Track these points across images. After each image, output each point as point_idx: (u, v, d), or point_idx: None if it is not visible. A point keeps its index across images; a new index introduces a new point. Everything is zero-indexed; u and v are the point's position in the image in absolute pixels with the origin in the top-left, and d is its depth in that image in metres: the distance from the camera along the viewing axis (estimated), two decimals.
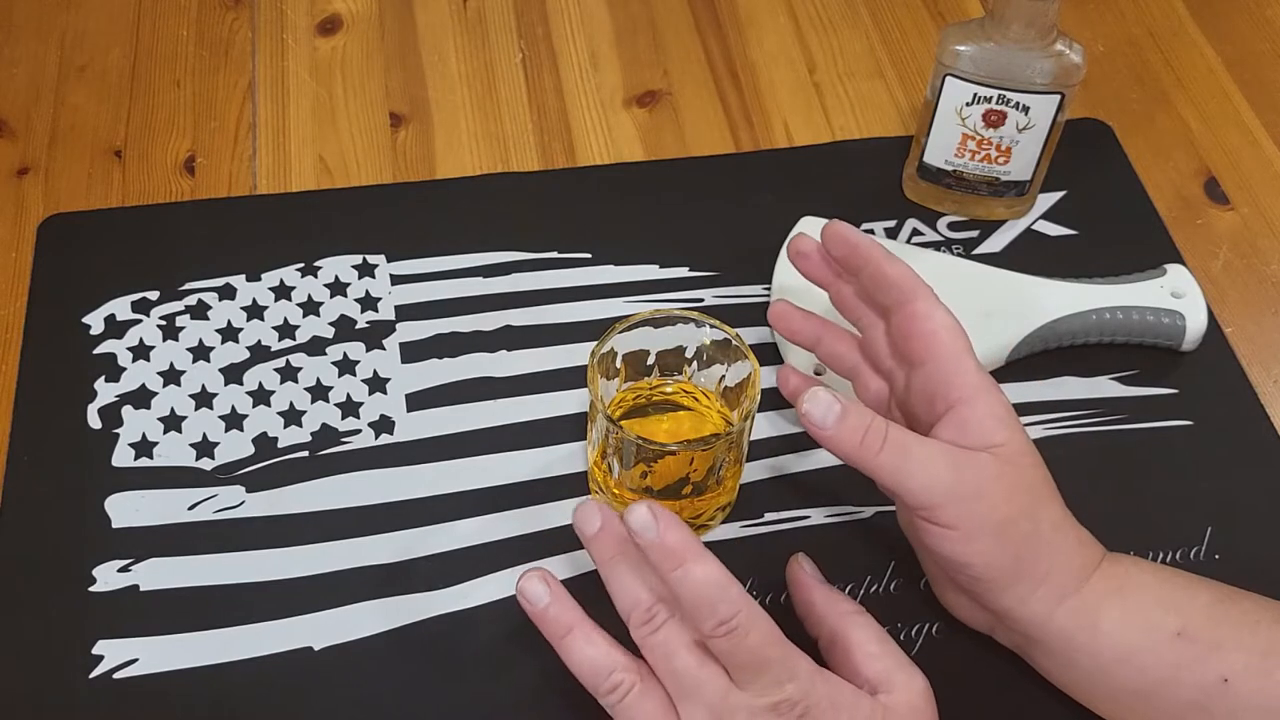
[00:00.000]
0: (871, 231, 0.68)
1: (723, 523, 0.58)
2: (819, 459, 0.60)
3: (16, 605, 0.54)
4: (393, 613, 0.55)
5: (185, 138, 0.72)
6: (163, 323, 0.63)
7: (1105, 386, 0.63)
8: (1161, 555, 0.57)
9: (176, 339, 0.63)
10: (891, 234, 0.68)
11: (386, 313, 0.64)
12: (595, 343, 0.54)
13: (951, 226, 0.69)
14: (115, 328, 0.63)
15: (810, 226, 0.65)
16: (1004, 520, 0.47)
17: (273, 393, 0.61)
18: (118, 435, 0.59)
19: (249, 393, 0.61)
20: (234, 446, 0.59)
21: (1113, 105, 0.76)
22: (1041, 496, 0.48)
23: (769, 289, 0.65)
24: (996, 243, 0.68)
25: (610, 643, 0.46)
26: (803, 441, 0.60)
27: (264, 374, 0.62)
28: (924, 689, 0.46)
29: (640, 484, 0.54)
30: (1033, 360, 0.63)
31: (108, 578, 0.55)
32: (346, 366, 0.62)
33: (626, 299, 0.65)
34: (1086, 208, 0.70)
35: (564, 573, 0.55)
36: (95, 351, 0.62)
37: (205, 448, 0.59)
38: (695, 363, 0.57)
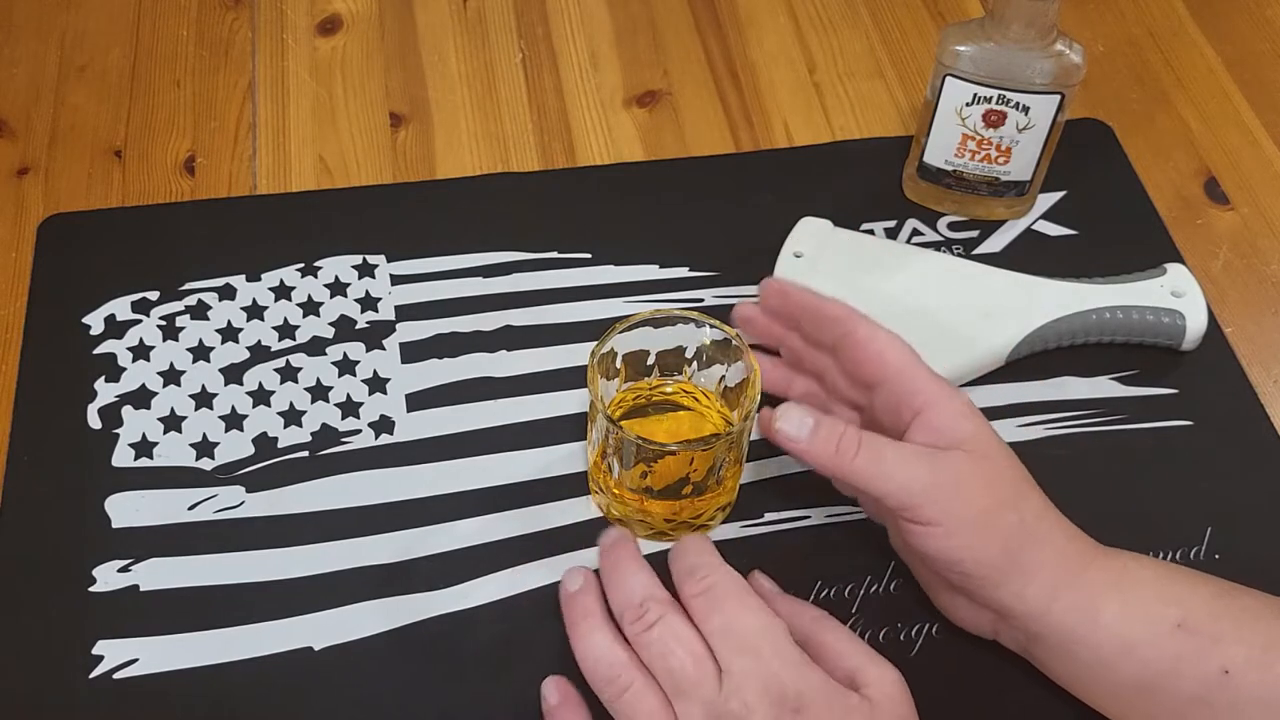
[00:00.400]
0: (871, 231, 0.68)
1: (723, 523, 0.58)
2: None
3: (16, 605, 0.54)
4: (393, 613, 0.55)
5: (185, 138, 0.72)
6: (163, 323, 0.63)
7: (1105, 386, 0.63)
8: (1161, 555, 0.57)
9: (176, 339, 0.63)
10: (891, 234, 0.68)
11: (386, 313, 0.64)
12: (595, 343, 0.54)
13: (951, 226, 0.69)
14: (115, 328, 0.63)
15: (809, 227, 0.65)
16: (984, 511, 0.48)
17: (273, 393, 0.61)
18: (118, 435, 0.59)
19: (249, 393, 0.61)
20: (234, 446, 0.59)
21: (1113, 105, 0.76)
22: (1020, 488, 0.49)
23: None
24: (996, 243, 0.68)
25: (619, 641, 0.46)
26: None
27: (264, 374, 0.62)
28: (897, 679, 0.46)
29: (640, 484, 0.54)
30: (1033, 360, 0.63)
31: (108, 578, 0.55)
32: (346, 366, 0.62)
33: (626, 299, 0.65)
34: (1086, 208, 0.70)
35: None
36: (95, 351, 0.62)
37: (205, 448, 0.59)
38: (695, 363, 0.57)
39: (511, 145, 0.73)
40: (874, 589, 0.56)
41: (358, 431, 0.60)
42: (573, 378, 0.62)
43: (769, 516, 0.58)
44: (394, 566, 0.56)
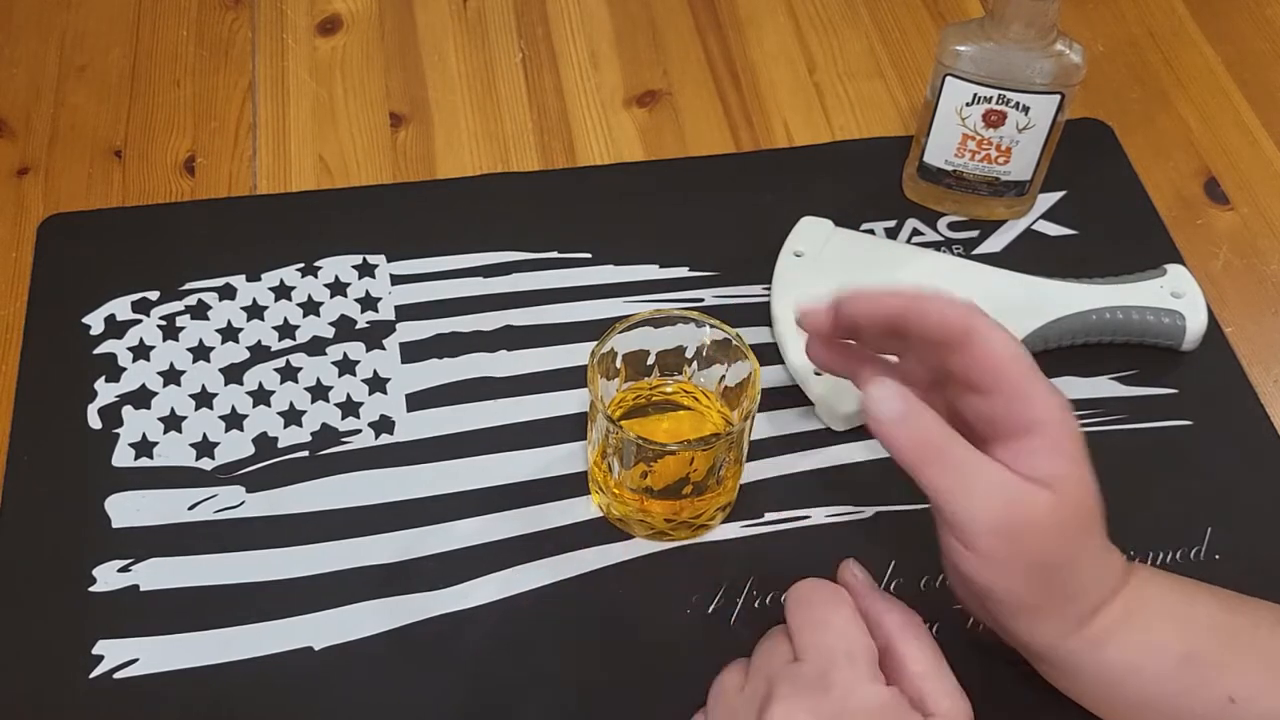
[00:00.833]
0: (871, 231, 0.68)
1: (723, 523, 0.58)
2: (819, 459, 0.60)
3: (16, 605, 0.54)
4: (393, 613, 0.55)
5: (185, 138, 0.72)
6: (163, 323, 0.63)
7: (1105, 386, 0.63)
8: (1161, 555, 0.57)
9: (176, 339, 0.63)
10: (891, 234, 0.68)
11: (386, 313, 0.64)
12: (595, 343, 0.54)
13: (951, 226, 0.69)
14: (115, 328, 0.63)
15: (809, 227, 0.65)
16: (1042, 563, 0.45)
17: (273, 393, 0.61)
18: (118, 435, 0.59)
19: (249, 393, 0.61)
20: (234, 446, 0.59)
21: (1113, 105, 0.76)
22: (1083, 539, 0.46)
23: (769, 289, 0.65)
24: (996, 243, 0.68)
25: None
26: (803, 441, 0.60)
27: (264, 374, 0.62)
28: (966, 713, 0.44)
29: (640, 484, 0.54)
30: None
31: (108, 578, 0.55)
32: (346, 366, 0.62)
33: (626, 299, 0.65)
34: (1086, 208, 0.70)
35: (564, 573, 0.56)
36: (95, 351, 0.62)
37: (205, 448, 0.59)
38: (695, 363, 0.57)
39: (511, 145, 0.73)
40: None
41: (358, 431, 0.60)
42: (573, 378, 0.62)
43: (769, 516, 0.58)
44: (394, 566, 0.56)
